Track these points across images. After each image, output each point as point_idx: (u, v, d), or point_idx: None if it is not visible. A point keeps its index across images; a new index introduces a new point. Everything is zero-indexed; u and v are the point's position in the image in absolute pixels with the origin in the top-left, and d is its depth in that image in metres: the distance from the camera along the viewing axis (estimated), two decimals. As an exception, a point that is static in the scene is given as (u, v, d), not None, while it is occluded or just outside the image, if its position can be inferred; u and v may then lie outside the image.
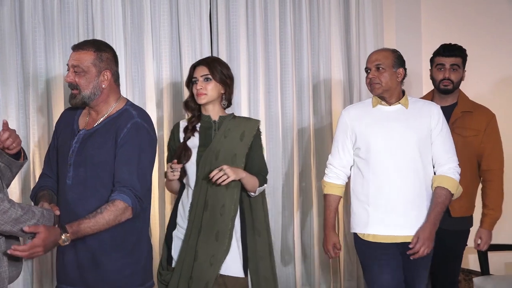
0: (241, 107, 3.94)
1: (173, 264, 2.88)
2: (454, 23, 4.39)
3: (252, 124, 3.02)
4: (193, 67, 2.98)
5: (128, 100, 2.62)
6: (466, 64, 3.52)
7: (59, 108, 3.39)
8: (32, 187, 3.28)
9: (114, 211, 2.36)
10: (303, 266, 4.18)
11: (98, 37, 3.45)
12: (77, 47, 2.52)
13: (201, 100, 2.92)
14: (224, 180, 2.78)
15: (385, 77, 2.98)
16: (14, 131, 2.39)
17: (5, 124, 2.39)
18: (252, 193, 2.96)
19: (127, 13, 3.61)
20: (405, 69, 3.07)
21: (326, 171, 3.21)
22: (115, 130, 2.47)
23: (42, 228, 2.17)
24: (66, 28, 3.46)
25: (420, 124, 2.99)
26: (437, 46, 3.56)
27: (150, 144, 2.52)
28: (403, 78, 3.06)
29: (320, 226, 4.15)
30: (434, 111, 3.03)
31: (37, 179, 3.23)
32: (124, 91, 3.46)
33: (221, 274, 2.85)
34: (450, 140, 3.06)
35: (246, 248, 2.94)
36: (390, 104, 3.04)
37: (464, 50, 3.51)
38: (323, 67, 4.26)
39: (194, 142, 2.94)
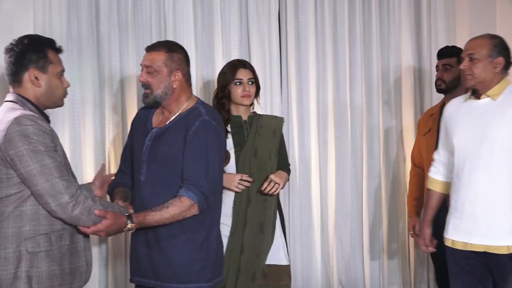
0: (310, 106, 3.95)
1: None
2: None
3: (279, 121, 3.19)
4: (236, 69, 3.05)
5: (198, 99, 2.67)
6: None
7: (132, 107, 3.51)
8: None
9: (180, 207, 2.42)
10: (371, 267, 4.13)
11: (170, 38, 3.54)
12: (150, 48, 2.61)
13: (247, 102, 3.05)
14: (276, 189, 2.97)
15: (478, 67, 2.70)
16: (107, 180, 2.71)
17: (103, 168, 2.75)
18: (282, 186, 3.08)
19: (198, 14, 3.69)
20: (506, 57, 2.75)
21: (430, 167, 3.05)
22: (185, 128, 2.52)
23: (110, 214, 2.28)
24: (139, 29, 3.57)
25: (508, 118, 2.66)
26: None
27: (218, 141, 2.56)
28: (507, 68, 2.76)
29: (387, 225, 4.12)
30: None
31: (111, 175, 3.37)
32: (195, 91, 3.53)
33: (266, 264, 3.00)
34: None
35: (285, 237, 3.12)
36: (479, 97, 2.75)
37: (459, 50, 3.36)
38: (393, 66, 4.20)
39: (228, 144, 3.00)
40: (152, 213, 2.40)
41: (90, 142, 3.44)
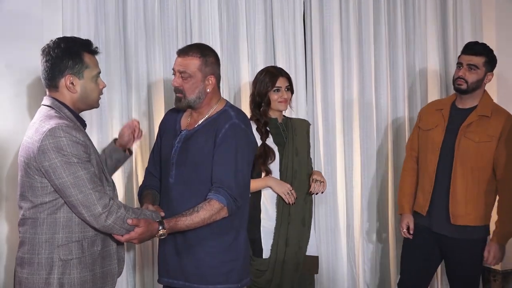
0: (335, 107, 3.94)
1: (263, 254, 3.12)
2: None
3: (307, 123, 3.42)
4: (276, 77, 3.20)
5: (227, 101, 2.69)
6: None
7: (159, 110, 3.52)
8: (134, 184, 3.47)
9: (209, 210, 2.44)
10: (397, 269, 4.11)
11: (196, 40, 3.55)
12: (182, 53, 2.59)
13: (284, 107, 3.24)
14: (324, 187, 3.24)
15: None
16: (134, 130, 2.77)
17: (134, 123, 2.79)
18: None
19: (223, 17, 3.70)
20: None
21: None
22: (214, 131, 2.54)
23: (142, 222, 2.30)
24: (166, 33, 3.58)
25: None
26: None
27: (247, 144, 2.57)
28: None
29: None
30: None
31: (139, 177, 3.41)
32: (221, 93, 3.55)
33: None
34: None
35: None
36: None
37: (489, 51, 3.26)
38: (419, 67, 4.17)
39: (270, 143, 3.20)
40: (183, 218, 2.42)
41: (117, 145, 3.46)
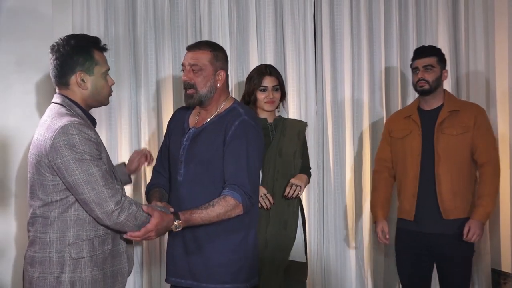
0: (345, 107, 3.92)
1: None
2: None
3: (303, 124, 3.34)
4: (262, 76, 3.16)
5: (235, 99, 2.68)
6: None
7: (168, 108, 3.53)
8: (142, 182, 3.48)
9: (225, 206, 2.43)
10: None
11: (205, 38, 3.56)
12: (193, 47, 2.61)
13: (271, 108, 3.19)
14: (299, 192, 3.12)
15: None
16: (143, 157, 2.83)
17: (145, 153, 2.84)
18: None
19: (233, 15, 3.70)
20: None
21: None
22: (224, 128, 2.53)
23: (156, 213, 2.28)
24: (175, 31, 3.59)
25: None
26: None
27: (257, 141, 2.56)
28: None
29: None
30: None
31: (147, 176, 3.41)
32: (230, 91, 3.54)
33: (288, 260, 3.12)
34: None
35: (305, 236, 3.25)
36: None
37: (438, 50, 3.43)
38: (430, 67, 4.14)
39: None
40: (198, 211, 2.40)
41: (126, 143, 3.47)
